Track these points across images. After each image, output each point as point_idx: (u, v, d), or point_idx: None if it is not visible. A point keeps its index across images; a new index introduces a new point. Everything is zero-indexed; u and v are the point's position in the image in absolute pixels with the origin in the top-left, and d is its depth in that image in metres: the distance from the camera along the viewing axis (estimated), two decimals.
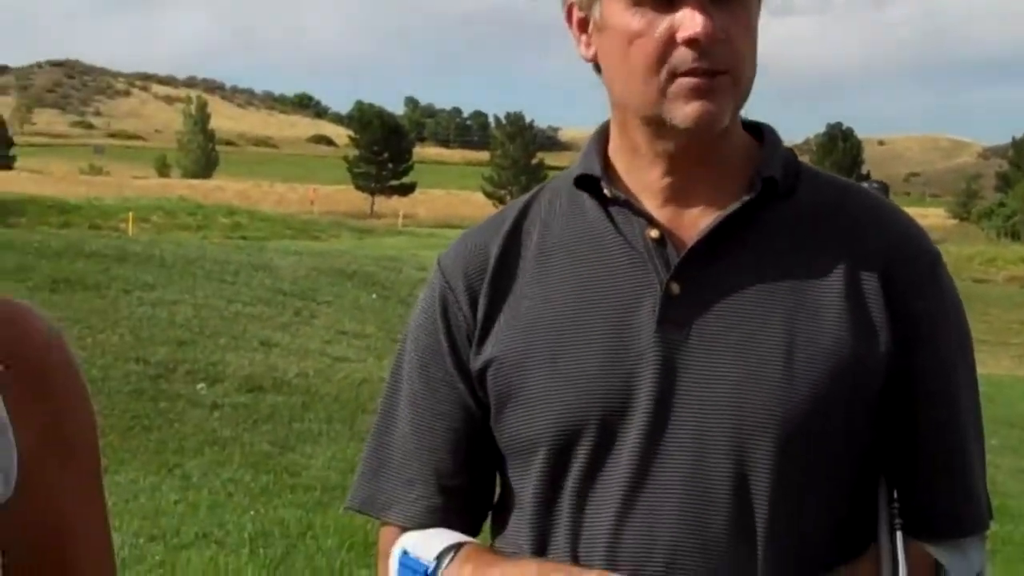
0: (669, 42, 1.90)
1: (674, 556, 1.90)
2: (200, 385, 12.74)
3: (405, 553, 2.05)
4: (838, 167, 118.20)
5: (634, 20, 1.92)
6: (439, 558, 2.02)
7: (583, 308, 1.98)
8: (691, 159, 1.98)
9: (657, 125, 1.95)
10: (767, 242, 1.98)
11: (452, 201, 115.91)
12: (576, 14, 2.03)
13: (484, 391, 2.04)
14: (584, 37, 2.03)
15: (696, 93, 1.90)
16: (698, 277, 1.95)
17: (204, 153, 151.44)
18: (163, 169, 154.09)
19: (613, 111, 2.06)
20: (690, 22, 1.88)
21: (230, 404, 12.30)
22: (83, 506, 1.69)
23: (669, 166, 1.99)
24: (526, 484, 2.02)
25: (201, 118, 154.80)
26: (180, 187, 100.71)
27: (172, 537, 8.52)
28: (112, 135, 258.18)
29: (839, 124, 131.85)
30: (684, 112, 1.91)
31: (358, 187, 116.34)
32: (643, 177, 2.02)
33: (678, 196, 2.00)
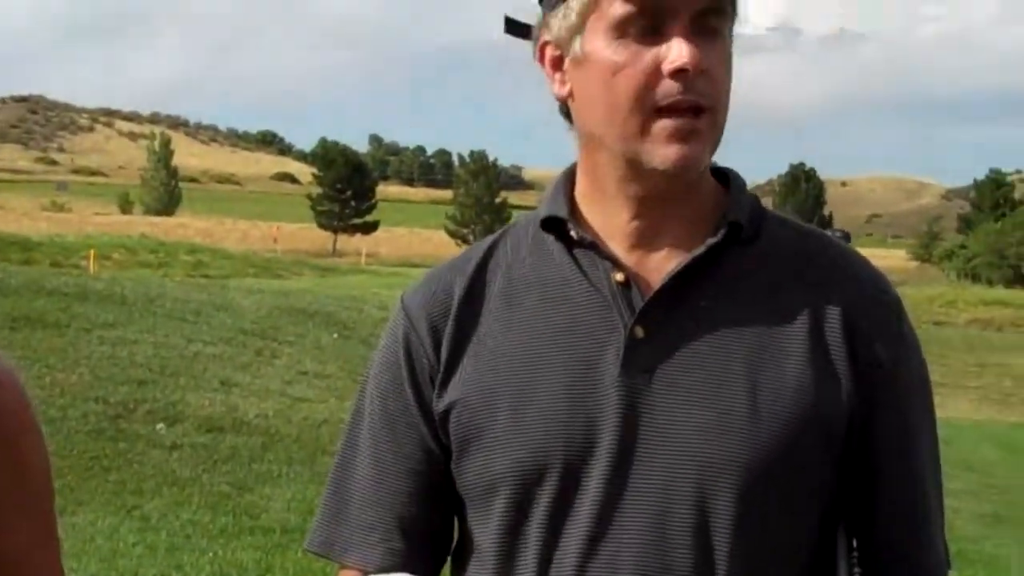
0: (655, 74, 1.90)
1: None
2: (159, 425, 12.68)
3: None
4: (800, 208, 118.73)
5: (618, 52, 1.92)
6: None
7: (547, 351, 1.98)
8: (661, 202, 1.99)
9: (633, 165, 1.95)
10: (732, 287, 1.99)
11: (415, 239, 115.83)
12: (550, 52, 2.03)
13: (446, 433, 2.03)
14: (558, 75, 2.02)
15: (677, 136, 1.91)
16: (663, 321, 1.95)
17: (167, 190, 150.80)
18: (126, 206, 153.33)
19: (583, 151, 2.05)
20: (677, 52, 1.88)
21: (189, 444, 12.25)
22: (36, 547, 1.69)
23: (638, 209, 2.00)
24: (486, 528, 2.01)
25: (164, 154, 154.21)
26: (142, 224, 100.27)
27: None
28: (75, 171, 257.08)
29: (802, 165, 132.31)
30: (664, 154, 1.91)
31: (321, 225, 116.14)
32: (610, 220, 2.02)
33: (645, 240, 2.01)
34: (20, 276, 20.09)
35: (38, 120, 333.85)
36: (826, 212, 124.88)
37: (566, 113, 2.06)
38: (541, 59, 2.05)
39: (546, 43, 2.03)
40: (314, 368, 17.21)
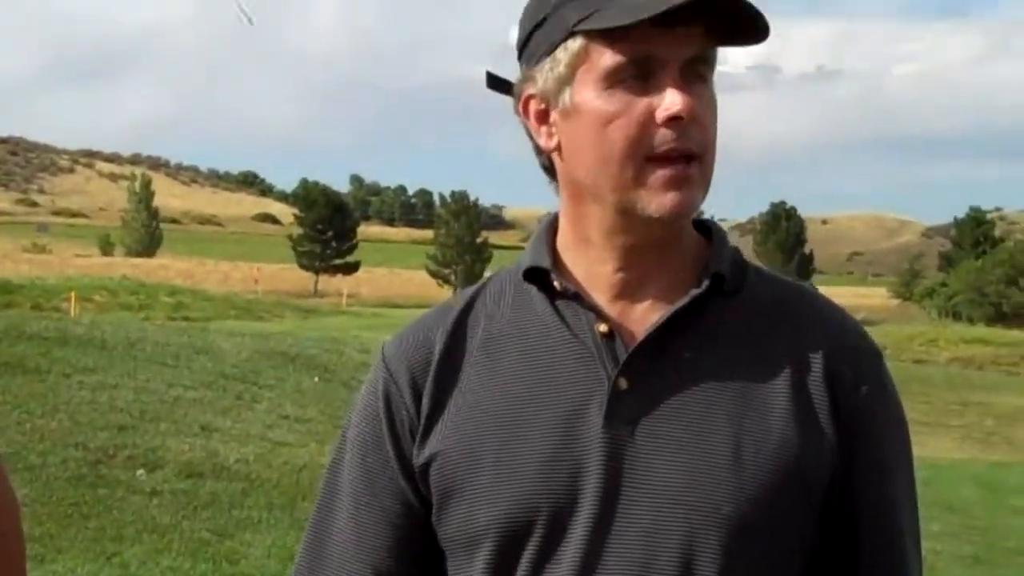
0: (648, 122, 1.91)
1: None
2: (139, 471, 12.63)
3: None
4: (781, 246, 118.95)
5: (610, 103, 1.92)
6: None
7: (529, 402, 1.98)
8: (647, 253, 2.00)
9: (627, 214, 1.96)
10: (715, 338, 1.99)
11: (396, 280, 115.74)
12: (535, 106, 2.03)
13: (427, 487, 2.03)
14: (544, 128, 2.03)
15: (672, 183, 1.91)
16: (647, 372, 1.96)
17: (148, 231, 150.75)
18: (106, 247, 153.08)
19: (569, 202, 2.05)
20: (671, 101, 1.89)
21: (169, 490, 12.19)
22: None
23: (624, 260, 2.00)
24: None
25: (145, 196, 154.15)
26: (123, 265, 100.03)
27: None
28: (56, 212, 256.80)
29: (783, 203, 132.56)
30: (660, 202, 1.92)
31: (302, 266, 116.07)
32: (594, 270, 2.02)
33: (629, 291, 2.01)
34: (0, 321, 20.04)
35: (18, 161, 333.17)
36: (807, 250, 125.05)
37: (546, 167, 2.07)
38: (525, 113, 2.05)
39: (530, 97, 2.03)
40: (295, 412, 17.15)
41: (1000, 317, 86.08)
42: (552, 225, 2.10)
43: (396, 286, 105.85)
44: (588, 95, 1.95)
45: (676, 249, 2.03)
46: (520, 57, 2.06)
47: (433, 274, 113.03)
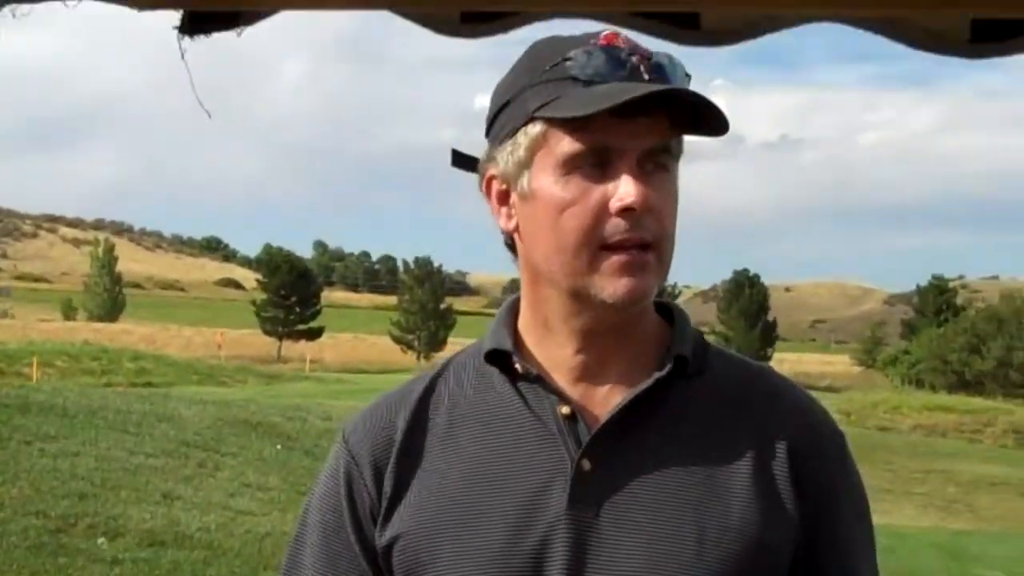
0: (602, 212, 1.91)
1: None
2: (101, 540, 12.57)
3: None
4: (744, 314, 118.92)
5: (566, 190, 1.92)
6: None
7: (492, 484, 1.98)
8: (606, 336, 2.00)
9: (581, 299, 1.96)
10: (678, 420, 1.99)
11: (360, 345, 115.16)
12: (496, 187, 2.03)
13: (389, 568, 2.03)
14: (504, 209, 2.03)
15: (625, 269, 1.92)
16: (609, 455, 1.96)
17: (111, 296, 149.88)
18: (69, 312, 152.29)
19: (527, 284, 2.06)
20: (625, 191, 1.89)
21: (131, 559, 12.13)
22: None
23: (583, 343, 2.00)
24: None
25: (108, 261, 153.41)
26: (86, 330, 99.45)
27: None
28: (19, 277, 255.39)
29: (746, 271, 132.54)
30: (613, 287, 1.92)
31: (266, 331, 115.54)
32: (555, 353, 2.03)
33: (590, 373, 2.01)
34: None
35: None
36: (770, 318, 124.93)
37: (511, 245, 2.08)
38: (487, 192, 2.06)
39: (492, 177, 2.04)
40: (257, 480, 17.11)
41: (963, 385, 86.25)
42: (513, 307, 2.11)
43: (360, 352, 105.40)
44: (546, 181, 1.95)
45: (636, 332, 2.03)
46: (487, 135, 2.07)
47: (397, 340, 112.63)
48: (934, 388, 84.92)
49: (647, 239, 1.93)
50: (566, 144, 1.93)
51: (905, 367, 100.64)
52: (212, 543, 13.09)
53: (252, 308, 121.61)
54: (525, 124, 1.97)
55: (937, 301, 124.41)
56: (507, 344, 2.05)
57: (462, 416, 2.06)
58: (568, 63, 1.95)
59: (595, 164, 1.92)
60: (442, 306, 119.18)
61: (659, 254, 1.95)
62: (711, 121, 1.95)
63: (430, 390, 2.11)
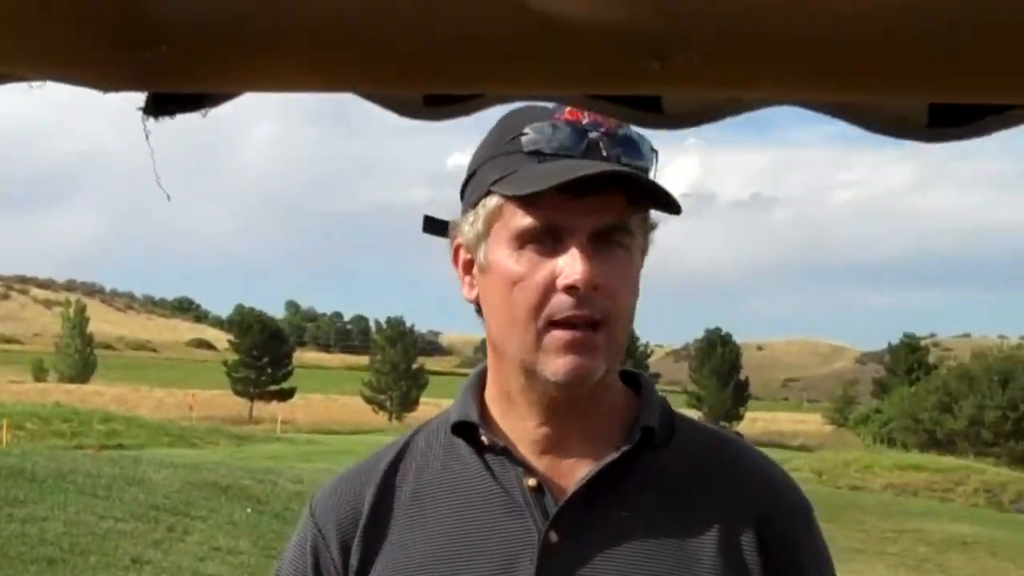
0: (549, 288, 1.91)
1: None
2: None
3: None
4: (716, 372, 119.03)
5: (518, 264, 1.93)
6: None
7: (459, 556, 1.97)
8: (565, 410, 1.99)
9: (531, 375, 1.96)
10: (645, 492, 2.00)
11: (331, 406, 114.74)
12: (463, 255, 2.05)
13: None
14: (468, 278, 2.05)
15: (570, 348, 1.91)
16: (577, 526, 1.96)
17: (82, 357, 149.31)
18: (40, 373, 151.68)
19: (490, 355, 2.06)
20: (570, 268, 1.89)
21: None
22: None
23: (544, 416, 2.00)
24: None
25: (79, 322, 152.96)
26: (57, 391, 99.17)
27: None
28: None
29: (718, 329, 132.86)
30: (556, 365, 1.92)
31: (237, 392, 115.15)
32: (519, 425, 2.03)
33: (555, 445, 2.01)
34: None
35: None
36: (742, 376, 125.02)
37: (478, 311, 2.08)
38: (455, 260, 2.07)
39: (460, 245, 2.05)
40: (227, 544, 17.02)
41: (934, 443, 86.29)
42: (481, 376, 2.11)
43: (332, 412, 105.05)
44: (501, 253, 1.96)
45: (599, 405, 2.03)
46: (462, 199, 2.08)
47: (369, 400, 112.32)
48: (906, 447, 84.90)
49: (596, 317, 1.92)
50: (518, 219, 1.94)
51: (877, 426, 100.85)
52: None
53: (224, 369, 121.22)
54: (484, 196, 1.99)
55: (909, 360, 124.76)
56: (473, 416, 2.05)
57: (430, 487, 2.05)
58: (523, 138, 1.96)
59: (547, 239, 1.93)
60: (414, 366, 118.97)
61: (610, 333, 1.95)
62: (666, 199, 1.95)
63: (398, 461, 2.10)
